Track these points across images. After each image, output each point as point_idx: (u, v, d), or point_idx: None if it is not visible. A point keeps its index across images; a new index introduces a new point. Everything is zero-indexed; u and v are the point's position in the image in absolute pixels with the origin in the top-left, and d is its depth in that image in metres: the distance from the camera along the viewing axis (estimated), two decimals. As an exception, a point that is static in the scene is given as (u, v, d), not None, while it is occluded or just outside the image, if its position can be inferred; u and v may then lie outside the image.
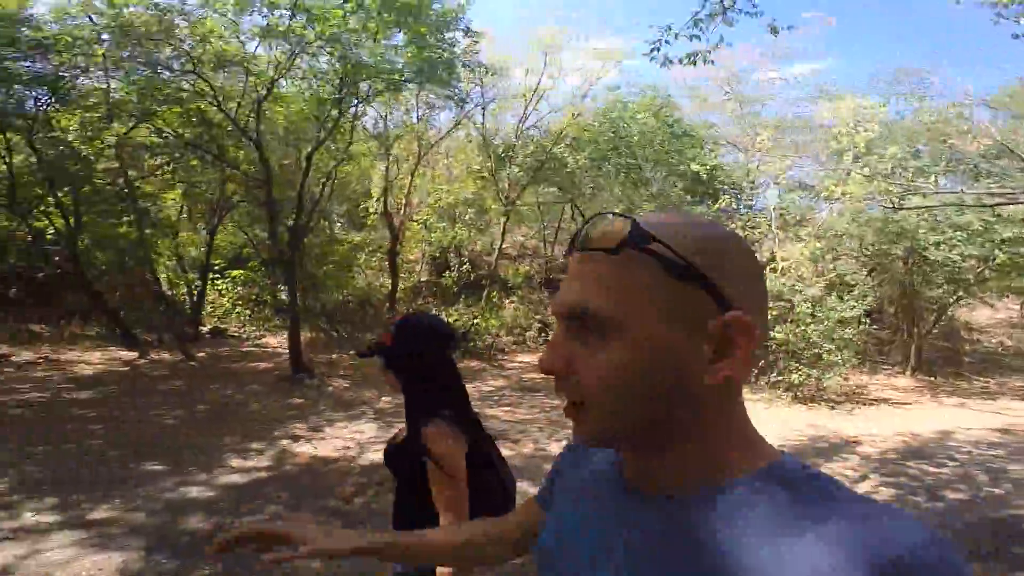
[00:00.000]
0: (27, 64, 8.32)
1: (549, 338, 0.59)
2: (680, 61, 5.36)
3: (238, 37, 9.25)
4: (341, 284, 13.51)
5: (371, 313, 13.97)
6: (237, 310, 13.40)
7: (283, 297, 15.20)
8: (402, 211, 13.74)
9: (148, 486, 4.53)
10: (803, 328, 8.71)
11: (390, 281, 14.07)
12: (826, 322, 8.67)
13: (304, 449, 5.84)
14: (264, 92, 9.07)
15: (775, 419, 8.05)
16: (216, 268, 12.51)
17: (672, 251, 0.51)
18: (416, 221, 14.23)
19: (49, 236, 9.96)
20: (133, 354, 9.57)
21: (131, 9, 8.28)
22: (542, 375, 0.58)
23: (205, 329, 12.30)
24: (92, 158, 9.11)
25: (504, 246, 16.34)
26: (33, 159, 9.12)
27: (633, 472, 0.60)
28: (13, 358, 8.31)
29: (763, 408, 8.68)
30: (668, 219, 0.54)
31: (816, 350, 8.74)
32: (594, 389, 0.52)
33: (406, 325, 1.61)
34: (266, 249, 14.55)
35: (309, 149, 9.53)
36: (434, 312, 13.43)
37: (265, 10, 8.66)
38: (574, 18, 23.39)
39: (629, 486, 0.60)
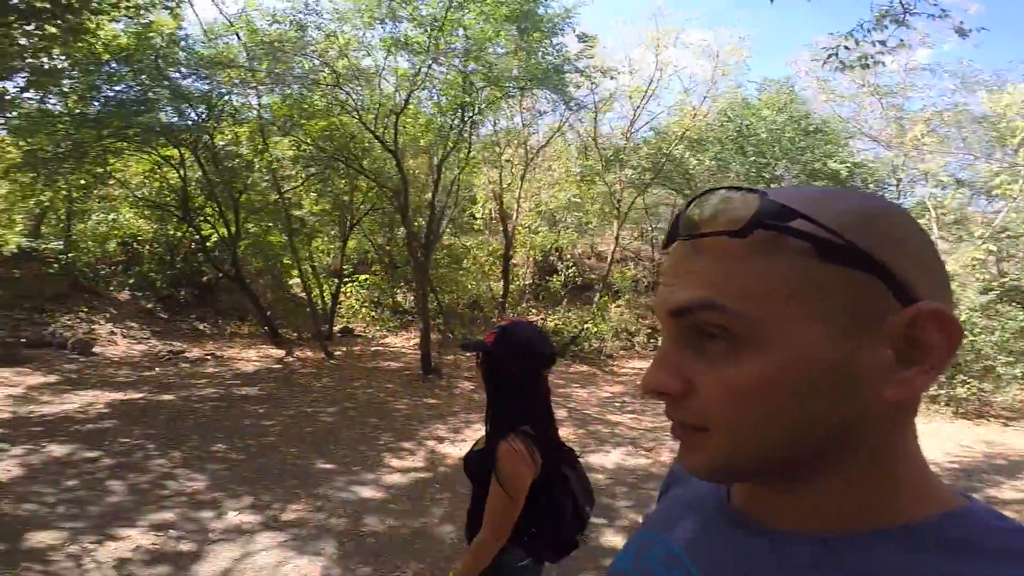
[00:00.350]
0: (189, 82, 8.86)
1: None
2: (859, 66, 4.87)
3: (368, 52, 9.44)
4: (462, 289, 13.60)
5: (479, 316, 13.96)
6: (363, 311, 13.87)
7: (399, 299, 15.65)
8: (514, 216, 13.61)
9: (324, 485, 4.49)
10: (972, 339, 7.51)
11: (498, 284, 13.97)
12: (1000, 332, 7.41)
13: (450, 451, 5.68)
14: (402, 103, 9.15)
15: (937, 434, 7.04)
16: (345, 272, 12.97)
17: (824, 228, 0.37)
18: (522, 225, 14.06)
19: (211, 244, 10.66)
20: (281, 352, 10.01)
21: (275, 27, 8.66)
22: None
23: (336, 329, 12.78)
24: (254, 169, 9.60)
25: (609, 249, 15.78)
26: (199, 172, 9.76)
27: (750, 501, 0.46)
28: (186, 354, 8.89)
29: (922, 422, 7.46)
30: (808, 191, 0.40)
31: (988, 362, 7.50)
32: (724, 412, 0.39)
33: (510, 332, 1.54)
34: (387, 255, 15.01)
35: (438, 158, 9.51)
36: (538, 317, 13.17)
37: (390, 23, 8.79)
38: (689, 15, 22.32)
39: (739, 517, 0.46)
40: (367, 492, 4.47)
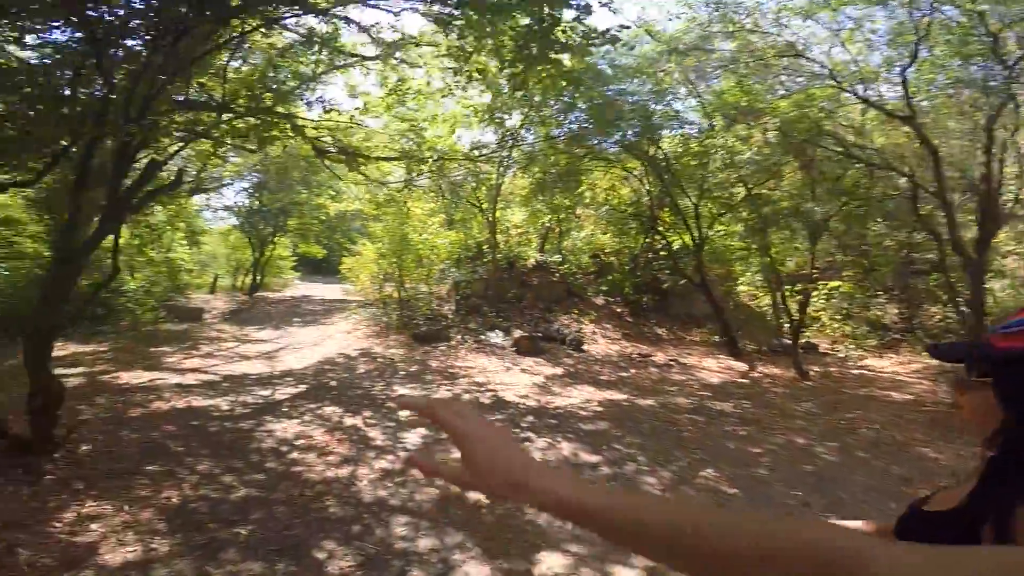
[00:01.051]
0: (629, 95, 8.81)
1: None
2: None
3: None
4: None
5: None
6: (830, 325, 11.41)
7: (876, 312, 12.18)
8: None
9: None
10: None
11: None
12: None
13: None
14: (907, 58, 6.69)
15: None
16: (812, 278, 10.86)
17: None
18: None
19: (671, 251, 10.64)
20: (743, 365, 8.97)
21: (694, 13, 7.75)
22: None
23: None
24: (710, 169, 9.02)
25: None
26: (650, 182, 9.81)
27: None
28: (653, 357, 8.97)
29: None
30: None
31: None
32: None
33: None
34: (862, 255, 11.90)
35: (983, 118, 6.42)
36: None
37: None
38: None
39: None
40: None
